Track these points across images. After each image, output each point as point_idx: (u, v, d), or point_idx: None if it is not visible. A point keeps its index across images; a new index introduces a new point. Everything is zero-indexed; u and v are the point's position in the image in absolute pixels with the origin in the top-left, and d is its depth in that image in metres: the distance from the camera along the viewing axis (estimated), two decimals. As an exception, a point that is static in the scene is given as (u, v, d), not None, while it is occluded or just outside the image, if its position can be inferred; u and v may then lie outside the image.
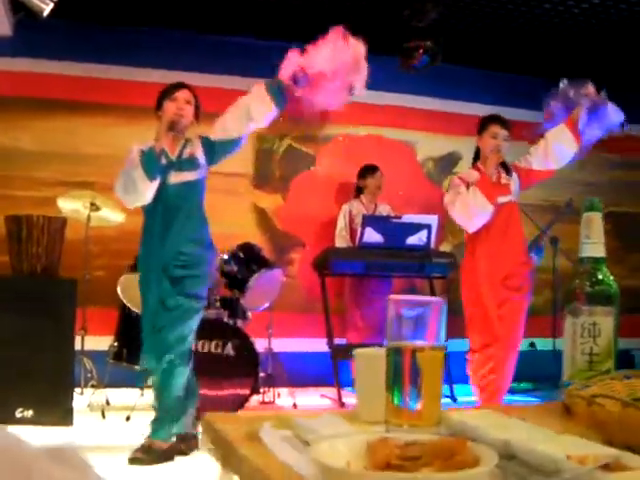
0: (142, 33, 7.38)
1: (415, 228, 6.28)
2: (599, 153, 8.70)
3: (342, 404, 6.09)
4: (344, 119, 8.12)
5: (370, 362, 1.28)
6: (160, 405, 4.36)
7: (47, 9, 5.80)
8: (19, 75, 7.14)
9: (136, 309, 5.64)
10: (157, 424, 4.34)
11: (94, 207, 6.02)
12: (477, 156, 5.10)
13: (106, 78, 7.36)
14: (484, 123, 5.02)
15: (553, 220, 7.08)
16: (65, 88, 7.25)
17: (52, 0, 5.78)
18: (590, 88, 4.72)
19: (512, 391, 7.31)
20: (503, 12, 7.14)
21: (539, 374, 7.49)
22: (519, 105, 7.78)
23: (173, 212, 4.37)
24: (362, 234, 6.23)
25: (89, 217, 6.03)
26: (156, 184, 4.28)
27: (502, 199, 4.85)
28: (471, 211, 4.78)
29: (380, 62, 7.82)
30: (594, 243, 1.48)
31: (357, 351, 1.32)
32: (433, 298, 1.13)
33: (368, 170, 7.48)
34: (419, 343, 1.11)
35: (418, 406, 1.09)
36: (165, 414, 4.34)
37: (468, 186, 4.85)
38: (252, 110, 4.38)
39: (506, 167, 4.90)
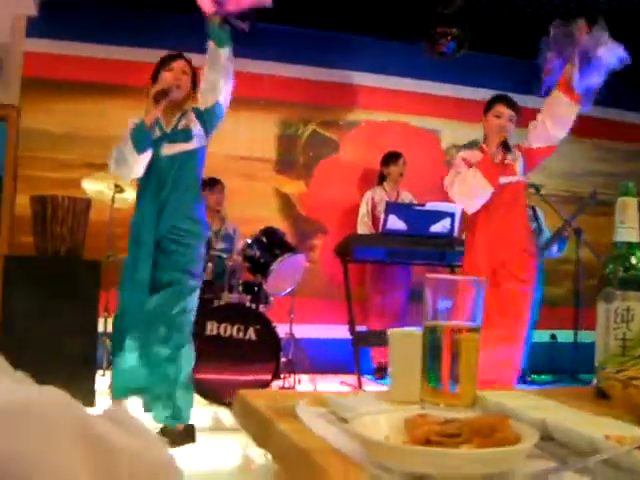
0: (170, 16, 7.37)
1: (438, 216, 6.26)
2: (621, 143, 8.67)
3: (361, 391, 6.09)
4: (369, 105, 8.12)
5: (405, 342, 1.28)
6: (169, 388, 4.24)
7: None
8: (44, 56, 7.17)
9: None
10: (171, 409, 4.24)
11: (118, 189, 6.05)
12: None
13: (132, 60, 7.38)
14: (489, 103, 4.87)
15: (577, 211, 7.03)
16: (91, 70, 7.27)
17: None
18: (582, 28, 4.41)
19: (532, 383, 7.34)
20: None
21: (559, 366, 7.48)
22: (545, 93, 7.74)
23: (167, 185, 4.32)
24: (385, 221, 6.21)
25: (113, 198, 6.06)
26: (146, 157, 4.24)
27: (504, 179, 4.68)
28: (470, 192, 4.63)
29: (405, 49, 7.88)
30: (629, 228, 1.47)
31: (392, 331, 1.32)
32: (471, 277, 1.13)
33: (391, 157, 7.48)
34: (456, 323, 1.11)
35: (454, 386, 1.10)
36: (175, 397, 4.24)
37: (470, 167, 4.70)
38: (213, 67, 4.34)
39: (507, 146, 4.69)
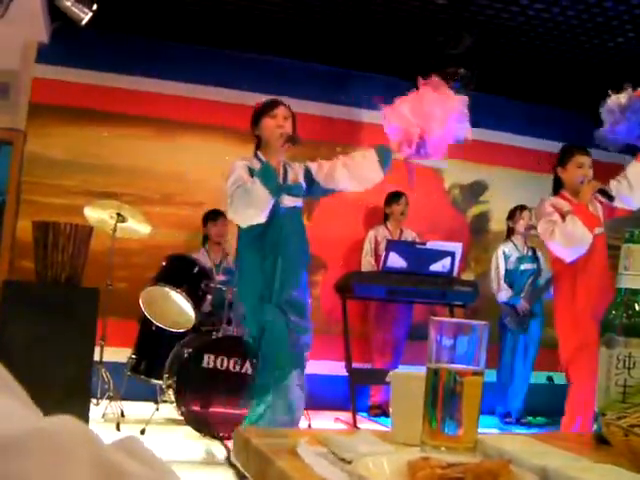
0: (176, 47, 7.42)
1: (439, 255, 6.27)
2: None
3: (357, 429, 6.04)
4: (375, 143, 8.13)
5: (406, 384, 1.27)
6: None
7: (86, 18, 5.88)
8: (52, 83, 7.19)
9: (158, 322, 5.65)
10: None
11: (120, 218, 6.04)
12: (557, 187, 4.94)
13: (139, 90, 7.41)
14: (566, 153, 4.89)
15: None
16: (98, 98, 7.30)
17: (91, 9, 5.86)
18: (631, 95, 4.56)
19: (528, 424, 7.31)
20: (539, 42, 7.15)
21: (555, 408, 7.42)
22: (551, 137, 7.79)
23: (287, 236, 4.16)
24: (386, 258, 6.22)
25: (115, 228, 6.05)
26: (272, 202, 4.01)
27: (598, 230, 4.66)
28: (573, 241, 4.55)
29: (412, 87, 7.90)
30: (633, 275, 1.47)
31: (393, 373, 1.32)
32: (476, 322, 1.13)
33: (393, 197, 7.53)
34: (460, 367, 1.10)
35: (456, 430, 1.09)
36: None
37: (562, 215, 4.65)
38: (363, 174, 4.39)
39: (608, 195, 4.66)
